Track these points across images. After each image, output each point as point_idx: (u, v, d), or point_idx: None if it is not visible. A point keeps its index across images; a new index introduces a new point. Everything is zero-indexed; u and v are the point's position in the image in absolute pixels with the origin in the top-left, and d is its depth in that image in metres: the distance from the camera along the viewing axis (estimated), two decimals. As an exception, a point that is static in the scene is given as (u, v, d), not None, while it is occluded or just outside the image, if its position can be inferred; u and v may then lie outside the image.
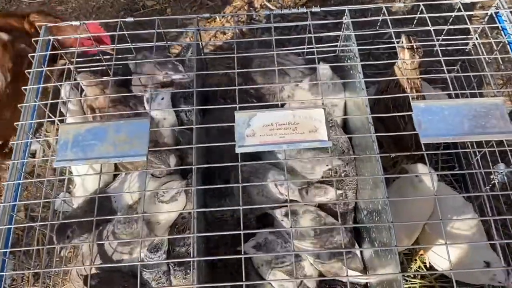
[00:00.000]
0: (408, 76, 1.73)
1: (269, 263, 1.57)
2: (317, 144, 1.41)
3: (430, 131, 1.39)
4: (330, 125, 1.80)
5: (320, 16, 2.74)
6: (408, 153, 1.48)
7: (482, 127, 1.41)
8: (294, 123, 1.45)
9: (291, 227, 1.31)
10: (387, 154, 1.77)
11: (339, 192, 1.71)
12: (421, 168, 1.65)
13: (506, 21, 1.70)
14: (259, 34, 2.69)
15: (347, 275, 1.25)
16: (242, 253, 1.29)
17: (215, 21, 2.78)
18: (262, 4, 2.83)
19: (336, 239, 1.27)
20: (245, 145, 1.41)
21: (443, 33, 1.85)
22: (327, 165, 1.69)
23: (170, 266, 1.64)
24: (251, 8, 2.82)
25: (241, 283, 1.24)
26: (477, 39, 1.88)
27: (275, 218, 1.72)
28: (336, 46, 1.94)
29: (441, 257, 1.74)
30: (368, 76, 2.50)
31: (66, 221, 1.59)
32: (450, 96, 1.71)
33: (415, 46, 1.67)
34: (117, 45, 1.66)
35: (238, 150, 1.40)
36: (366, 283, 1.72)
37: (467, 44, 1.93)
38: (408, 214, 1.64)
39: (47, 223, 1.55)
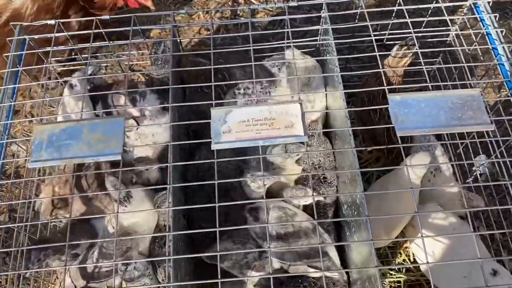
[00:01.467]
0: (393, 73, 1.74)
1: (241, 268, 1.55)
2: (293, 139, 1.40)
3: (406, 124, 1.38)
4: (310, 134, 1.81)
5: (305, 10, 2.73)
6: (383, 147, 1.46)
7: (458, 119, 1.40)
8: (271, 119, 1.43)
9: (267, 223, 1.30)
10: (363, 148, 1.76)
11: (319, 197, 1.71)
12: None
13: (483, 11, 1.69)
14: (243, 29, 2.68)
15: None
16: (218, 250, 1.28)
17: (199, 18, 2.77)
18: (246, -1, 2.82)
19: (306, 242, 1.26)
20: (221, 142, 1.40)
21: (423, 25, 1.84)
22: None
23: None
24: (235, 4, 2.81)
25: (216, 280, 1.24)
26: (456, 30, 1.87)
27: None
28: (316, 40, 1.92)
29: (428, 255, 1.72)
30: (352, 70, 2.50)
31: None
32: (429, 89, 1.70)
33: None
34: (93, 44, 1.65)
35: (214, 147, 1.38)
36: (348, 280, 1.70)
37: (447, 36, 1.92)
38: (389, 210, 1.63)
39: (22, 224, 1.54)
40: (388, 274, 1.96)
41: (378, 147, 1.46)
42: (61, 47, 1.75)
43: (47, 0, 1.83)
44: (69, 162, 1.44)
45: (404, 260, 1.99)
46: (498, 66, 1.65)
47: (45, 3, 1.69)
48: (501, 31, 1.65)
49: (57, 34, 1.65)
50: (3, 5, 1.84)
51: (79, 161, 1.40)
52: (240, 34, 1.74)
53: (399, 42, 1.96)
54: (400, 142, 1.37)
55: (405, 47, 1.78)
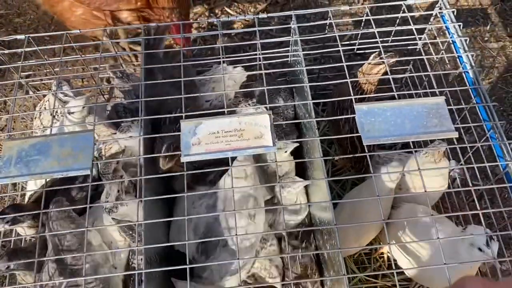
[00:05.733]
0: (368, 80, 1.77)
1: None
2: (262, 150, 1.42)
3: (373, 132, 1.40)
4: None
5: (281, 20, 2.76)
6: (350, 156, 1.48)
7: (424, 127, 1.42)
8: (240, 130, 1.44)
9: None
10: (330, 158, 1.78)
11: None
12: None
13: (448, 21, 1.73)
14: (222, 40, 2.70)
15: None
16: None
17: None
18: (223, 9, 2.84)
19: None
20: (190, 154, 1.40)
21: (392, 34, 1.88)
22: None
23: None
24: (211, 14, 2.83)
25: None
26: (425, 39, 1.91)
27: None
28: (288, 51, 1.95)
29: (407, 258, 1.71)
30: (329, 78, 2.53)
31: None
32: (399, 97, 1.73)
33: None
34: (63, 58, 1.65)
35: (184, 159, 1.39)
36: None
37: (416, 44, 1.96)
38: (360, 218, 1.65)
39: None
40: (364, 280, 1.97)
41: (345, 156, 1.47)
42: (33, 62, 1.75)
43: None
44: (39, 178, 1.43)
45: (380, 266, 2.01)
46: (463, 74, 1.69)
47: None
48: (465, 40, 1.69)
49: (26, 49, 1.66)
50: None
51: (49, 176, 1.40)
52: (213, 46, 1.75)
53: (370, 51, 1.99)
54: (366, 149, 1.39)
55: (380, 55, 1.79)
